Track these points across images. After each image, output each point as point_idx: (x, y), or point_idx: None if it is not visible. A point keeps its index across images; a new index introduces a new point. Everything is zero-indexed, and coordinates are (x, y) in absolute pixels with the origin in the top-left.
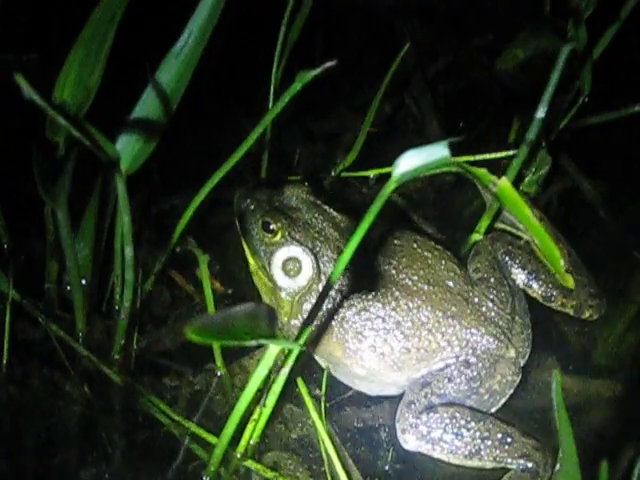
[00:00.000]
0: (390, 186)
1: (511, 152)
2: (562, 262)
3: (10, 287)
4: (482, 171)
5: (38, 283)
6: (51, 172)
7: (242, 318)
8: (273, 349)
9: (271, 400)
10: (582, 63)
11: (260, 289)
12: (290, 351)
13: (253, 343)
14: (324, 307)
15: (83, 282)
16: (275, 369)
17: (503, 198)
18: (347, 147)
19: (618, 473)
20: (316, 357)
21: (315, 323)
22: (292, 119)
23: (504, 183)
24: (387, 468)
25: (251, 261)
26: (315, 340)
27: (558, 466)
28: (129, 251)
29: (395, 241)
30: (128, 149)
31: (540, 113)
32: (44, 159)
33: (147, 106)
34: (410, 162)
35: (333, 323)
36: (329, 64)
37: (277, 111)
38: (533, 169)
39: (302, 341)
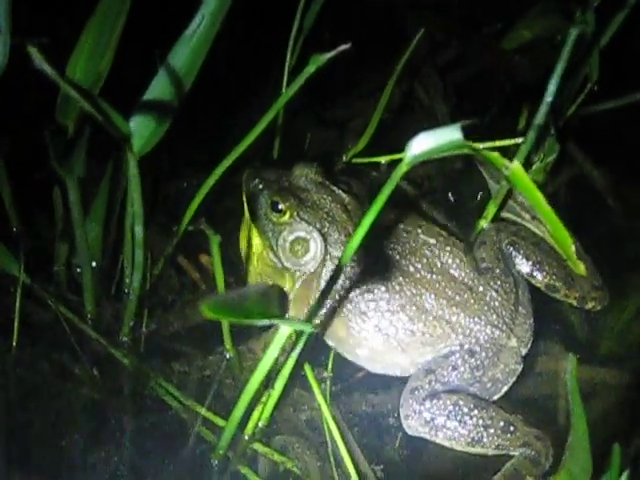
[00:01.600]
0: (402, 168)
1: (519, 139)
2: (573, 248)
3: (20, 270)
4: (495, 154)
5: (47, 266)
6: (65, 146)
7: (255, 297)
8: (285, 330)
9: (280, 383)
10: (590, 49)
11: (263, 272)
12: (300, 333)
13: (266, 322)
14: (330, 288)
15: (93, 264)
16: (284, 352)
17: (515, 181)
18: (358, 133)
19: (625, 460)
20: (324, 338)
21: (322, 304)
22: (304, 106)
23: (516, 166)
24: (394, 453)
25: (257, 241)
26: (321, 322)
27: (567, 452)
28: (139, 230)
29: (401, 226)
30: (140, 131)
31: (548, 97)
32: (58, 134)
33: (160, 88)
34: (423, 145)
35: (337, 303)
36: (343, 47)
37: (290, 94)
38: (541, 156)
39: (314, 323)
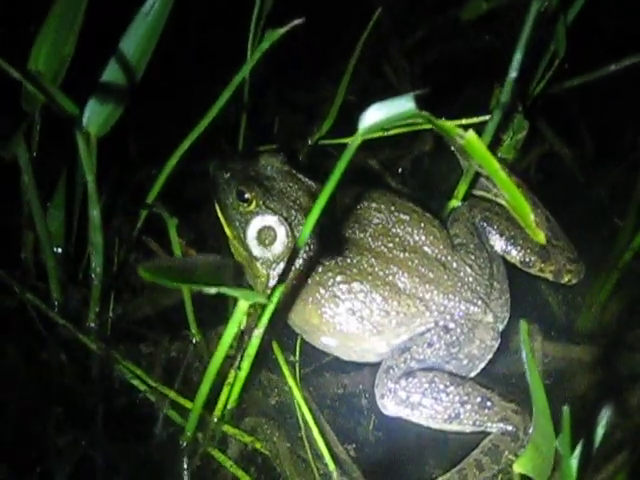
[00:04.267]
0: (357, 140)
1: (487, 117)
2: (532, 217)
3: None
4: (448, 124)
5: (14, 253)
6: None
7: (205, 266)
8: (243, 305)
9: (246, 364)
10: (556, 24)
11: (237, 259)
12: (263, 311)
13: (213, 291)
14: (298, 272)
15: (59, 250)
16: (249, 332)
17: (471, 151)
18: (326, 116)
19: (596, 437)
20: (292, 326)
21: (289, 289)
22: (271, 89)
23: (471, 135)
24: (366, 434)
25: (227, 231)
26: (290, 307)
27: (533, 424)
28: (96, 214)
29: (373, 205)
30: (97, 112)
31: (512, 73)
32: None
33: (114, 70)
34: (375, 115)
35: (308, 289)
36: (296, 22)
37: (247, 71)
38: (510, 134)
39: (274, 298)
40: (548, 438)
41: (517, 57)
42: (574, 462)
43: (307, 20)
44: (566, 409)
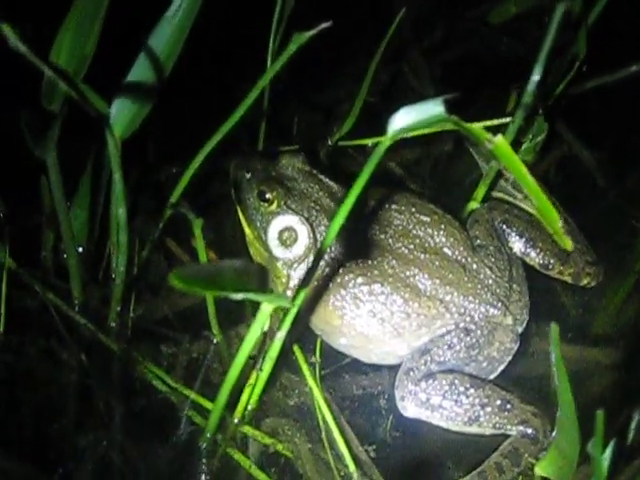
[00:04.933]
0: (385, 143)
1: (508, 119)
2: (560, 223)
3: (7, 256)
4: (478, 128)
5: (35, 252)
6: (39, 125)
7: (231, 272)
8: (266, 308)
9: (267, 365)
10: (578, 26)
11: (256, 260)
12: (286, 314)
13: (240, 297)
14: (320, 274)
15: (80, 250)
16: (271, 334)
17: (499, 155)
18: (346, 117)
19: (618, 436)
20: (312, 327)
21: (310, 291)
22: (291, 89)
23: (500, 140)
24: (386, 435)
25: (247, 231)
26: (311, 309)
27: (557, 427)
28: (122, 213)
29: (393, 206)
30: (122, 113)
31: (535, 76)
32: (31, 114)
33: (141, 71)
34: (405, 119)
35: (329, 290)
36: (324, 25)
37: (272, 73)
38: (530, 136)
39: (297, 301)
40: (573, 442)
41: (541, 59)
42: (605, 464)
43: (327, 20)
44: (600, 413)
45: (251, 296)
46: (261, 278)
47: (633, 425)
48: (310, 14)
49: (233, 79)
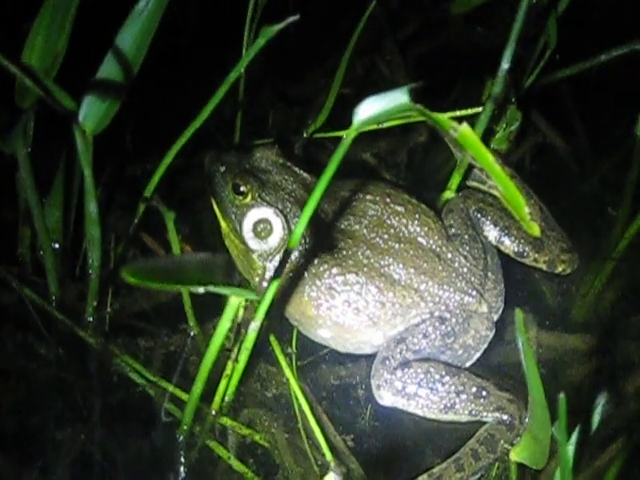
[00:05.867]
0: (351, 134)
1: (480, 109)
2: (526, 209)
3: None
4: (442, 117)
5: (12, 248)
6: (9, 122)
7: (194, 265)
8: (233, 301)
9: (243, 356)
10: (547, 16)
11: (232, 252)
12: (259, 304)
13: (201, 291)
14: (295, 265)
15: (56, 246)
16: (245, 325)
17: (464, 143)
18: (320, 109)
19: (593, 425)
20: (289, 318)
21: (285, 282)
22: (266, 83)
23: (464, 128)
24: (365, 425)
25: (223, 224)
26: (287, 300)
27: (528, 413)
28: (93, 208)
29: (368, 196)
30: (92, 110)
31: (504, 64)
32: (0, 111)
33: (110, 67)
34: (370, 108)
35: (304, 281)
36: (292, 19)
37: (242, 67)
38: (503, 125)
39: (268, 294)
40: (544, 427)
41: (509, 48)
42: (570, 449)
43: (301, 13)
44: (562, 397)
45: (215, 289)
46: (227, 270)
47: (598, 409)
48: (285, 6)
49: (208, 72)
